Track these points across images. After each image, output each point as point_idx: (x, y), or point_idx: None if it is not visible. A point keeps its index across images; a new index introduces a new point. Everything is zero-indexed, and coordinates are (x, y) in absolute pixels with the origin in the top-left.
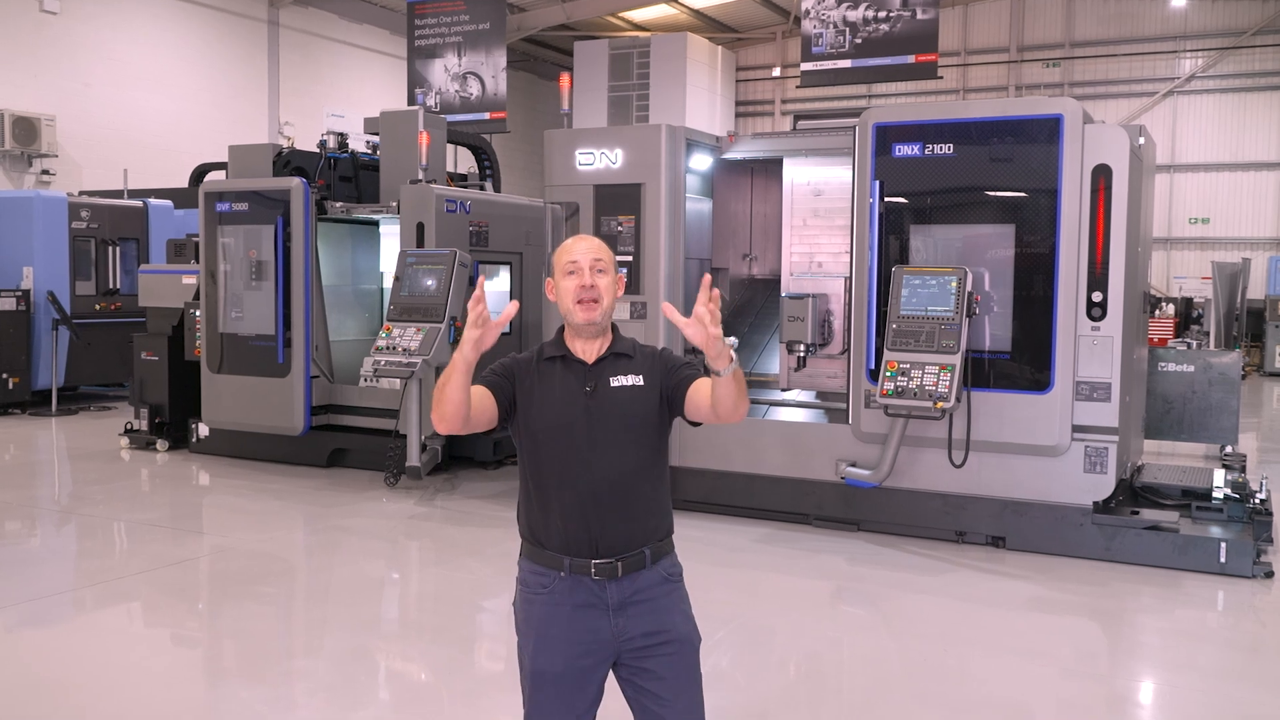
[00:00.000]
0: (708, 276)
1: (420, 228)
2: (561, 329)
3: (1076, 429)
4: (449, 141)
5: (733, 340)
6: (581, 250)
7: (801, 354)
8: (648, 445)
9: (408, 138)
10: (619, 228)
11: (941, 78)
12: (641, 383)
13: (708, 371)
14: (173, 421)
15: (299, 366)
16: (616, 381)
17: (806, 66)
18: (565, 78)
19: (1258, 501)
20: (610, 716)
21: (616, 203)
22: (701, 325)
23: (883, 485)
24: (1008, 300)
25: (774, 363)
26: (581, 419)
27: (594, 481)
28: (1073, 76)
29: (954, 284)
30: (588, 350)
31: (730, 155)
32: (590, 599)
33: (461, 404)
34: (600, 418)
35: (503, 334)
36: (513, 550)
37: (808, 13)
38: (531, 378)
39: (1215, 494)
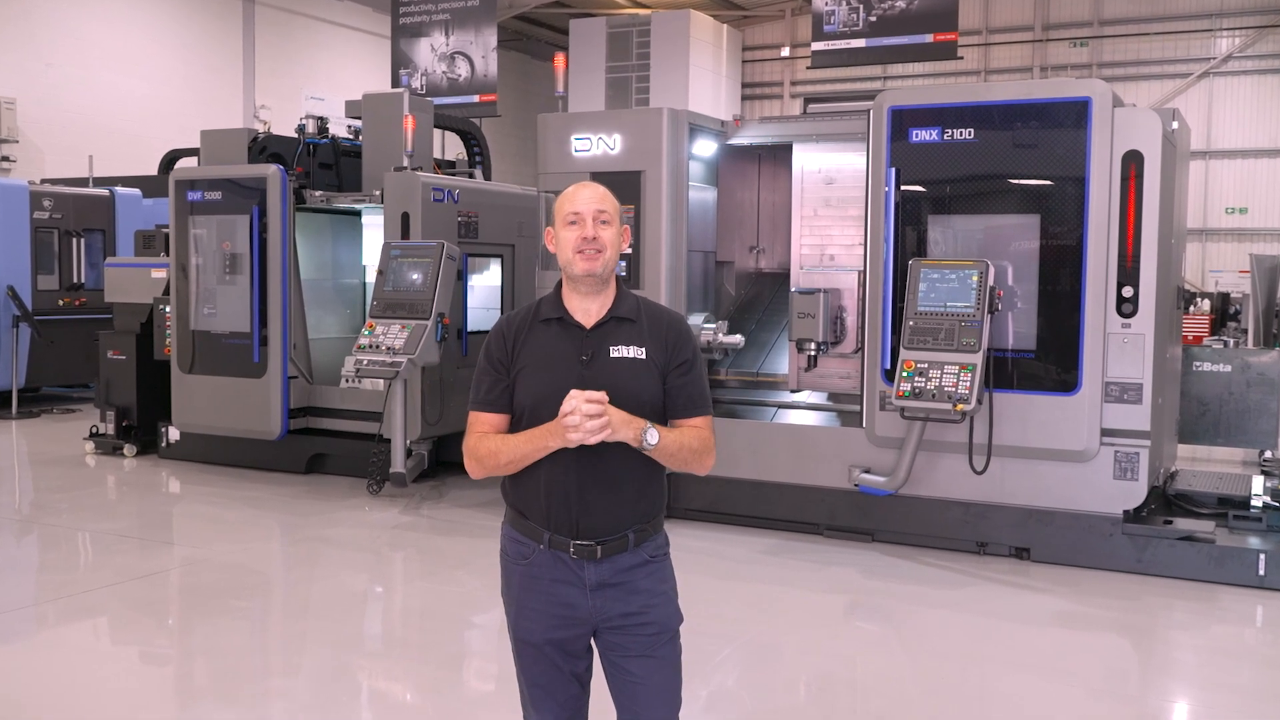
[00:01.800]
0: (602, 395)
1: (405, 218)
2: (560, 283)
3: (1106, 433)
4: (436, 126)
5: (738, 339)
6: (584, 199)
7: (812, 353)
8: None
9: (392, 122)
10: None
11: (962, 58)
12: (643, 355)
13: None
14: (141, 425)
15: (276, 366)
16: (616, 352)
17: (818, 46)
18: (560, 58)
19: None
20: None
21: (615, 191)
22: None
23: (899, 493)
24: (1032, 295)
25: (783, 362)
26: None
27: (583, 460)
28: (1101, 57)
29: (975, 278)
30: (587, 311)
31: (736, 141)
32: (568, 576)
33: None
34: (595, 391)
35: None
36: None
37: None
38: (525, 345)
39: (1254, 502)
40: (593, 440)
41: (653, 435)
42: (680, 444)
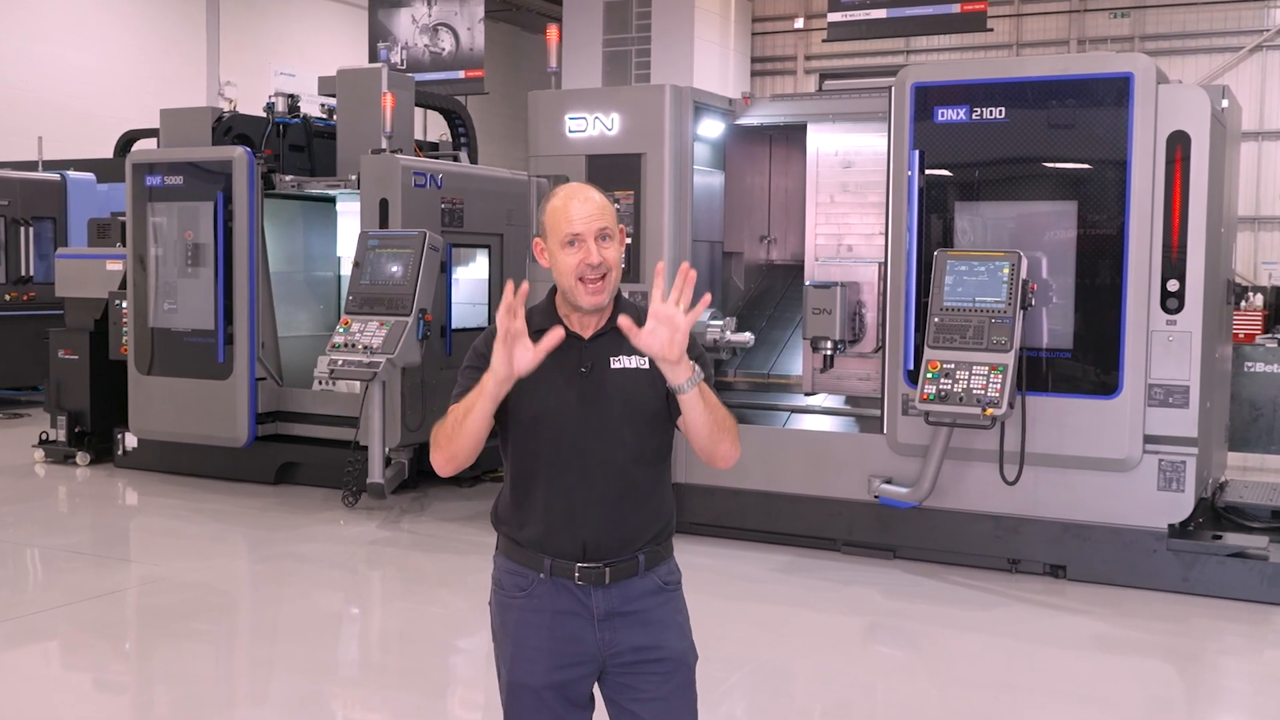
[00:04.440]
0: (685, 264)
1: (384, 205)
2: (553, 292)
3: (1149, 440)
4: (417, 104)
5: (747, 337)
6: (580, 217)
7: (828, 352)
8: (648, 435)
9: (369, 100)
10: (616, 205)
11: (991, 30)
12: (645, 365)
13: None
14: (95, 431)
15: (242, 367)
16: (617, 363)
17: (834, 17)
18: (553, 30)
19: None
20: None
21: (613, 176)
22: (671, 325)
23: (923, 505)
24: (1069, 290)
25: (796, 363)
26: (574, 404)
27: (585, 474)
28: (1144, 29)
29: (1006, 271)
30: (585, 322)
31: (745, 121)
32: (573, 606)
33: (480, 442)
34: (596, 403)
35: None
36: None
37: None
38: None
39: None
40: (674, 353)
41: (699, 375)
42: (717, 403)
